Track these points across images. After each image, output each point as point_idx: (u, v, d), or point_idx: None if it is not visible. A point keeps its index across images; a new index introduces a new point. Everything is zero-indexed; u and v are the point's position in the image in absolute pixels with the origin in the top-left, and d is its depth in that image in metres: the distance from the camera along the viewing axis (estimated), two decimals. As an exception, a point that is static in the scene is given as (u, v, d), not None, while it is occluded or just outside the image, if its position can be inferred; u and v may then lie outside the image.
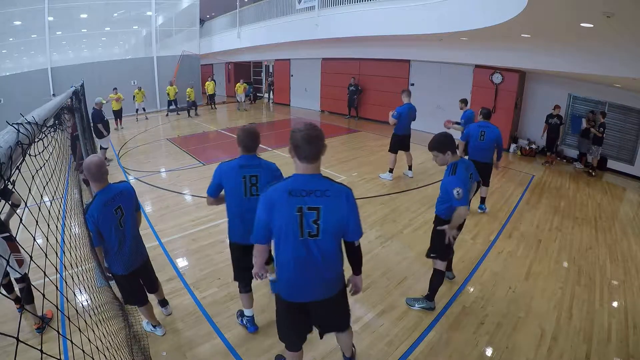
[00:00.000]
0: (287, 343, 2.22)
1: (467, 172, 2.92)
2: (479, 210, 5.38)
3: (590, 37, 4.68)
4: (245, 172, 2.52)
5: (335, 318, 2.19)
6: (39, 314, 2.98)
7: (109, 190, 2.51)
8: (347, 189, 1.88)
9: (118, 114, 11.85)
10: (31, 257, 0.93)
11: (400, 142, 6.64)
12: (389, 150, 6.76)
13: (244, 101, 16.13)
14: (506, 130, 9.08)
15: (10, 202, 2.63)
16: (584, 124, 8.01)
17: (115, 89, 11.85)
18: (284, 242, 1.83)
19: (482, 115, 5.16)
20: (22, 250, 2.85)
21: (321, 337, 2.27)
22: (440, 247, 3.10)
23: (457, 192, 2.76)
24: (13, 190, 0.86)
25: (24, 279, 2.86)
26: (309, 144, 1.74)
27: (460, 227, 3.15)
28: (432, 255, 3.22)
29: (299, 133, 1.75)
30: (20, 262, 2.86)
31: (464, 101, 6.85)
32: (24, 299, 2.92)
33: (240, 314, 3.11)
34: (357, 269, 2.10)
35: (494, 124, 5.10)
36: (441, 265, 3.21)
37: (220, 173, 2.57)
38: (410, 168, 6.99)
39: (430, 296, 3.29)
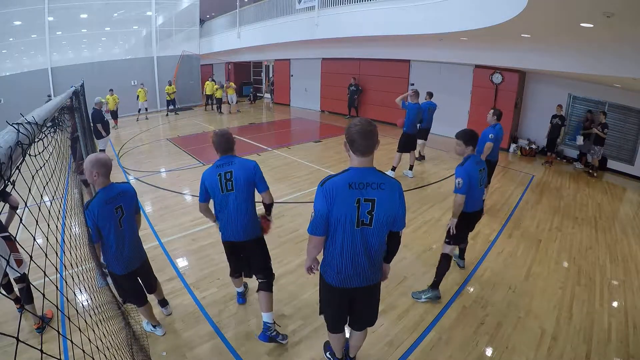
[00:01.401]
0: (331, 325, 2.38)
1: (477, 165, 3.26)
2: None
3: (590, 37, 4.68)
4: (221, 170, 2.66)
5: (371, 307, 2.31)
6: (39, 313, 2.97)
7: (111, 189, 2.52)
8: (399, 183, 2.02)
9: (114, 115, 12.26)
10: (31, 257, 0.93)
11: (410, 141, 6.75)
12: (398, 150, 6.80)
13: (235, 103, 15.47)
14: (506, 130, 9.06)
15: (8, 204, 2.64)
16: (580, 141, 8.09)
17: (111, 90, 12.11)
18: (341, 232, 1.94)
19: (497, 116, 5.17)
20: (21, 250, 2.85)
21: (358, 329, 2.43)
22: (453, 235, 3.39)
23: (458, 182, 3.16)
24: (11, 192, 0.86)
25: (24, 279, 2.86)
26: (365, 138, 1.84)
27: (468, 225, 3.52)
28: (446, 240, 3.46)
29: (354, 128, 1.86)
30: (19, 262, 2.86)
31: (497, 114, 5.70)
32: (24, 299, 2.92)
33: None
34: (391, 257, 2.22)
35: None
36: (449, 249, 3.43)
37: (203, 177, 2.71)
38: (410, 168, 7.00)
39: (435, 284, 3.44)
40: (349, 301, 2.22)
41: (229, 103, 15.39)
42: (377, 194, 1.89)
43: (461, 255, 4.01)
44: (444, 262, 3.42)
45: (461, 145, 3.30)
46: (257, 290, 2.87)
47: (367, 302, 2.27)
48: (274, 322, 2.86)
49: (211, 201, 2.79)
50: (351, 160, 1.95)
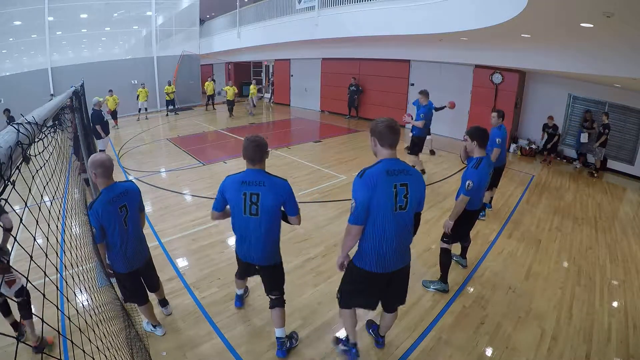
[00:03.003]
0: (363, 306, 2.53)
1: (488, 168, 3.33)
2: (488, 208, 5.42)
3: (591, 37, 4.68)
4: (246, 189, 2.35)
5: (403, 288, 2.46)
6: (38, 332, 2.78)
7: (114, 188, 2.52)
8: (418, 171, 2.27)
9: (113, 115, 12.23)
10: (31, 257, 0.93)
11: (422, 144, 6.77)
12: (410, 153, 6.71)
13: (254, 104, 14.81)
14: (506, 130, 9.08)
15: (2, 225, 2.47)
16: (585, 138, 8.12)
17: (110, 90, 12.07)
18: (381, 217, 2.08)
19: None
20: (21, 250, 2.80)
21: (391, 310, 2.60)
22: (452, 234, 3.46)
23: (468, 183, 3.18)
24: (5, 210, 0.85)
25: (22, 293, 2.67)
26: (393, 132, 2.08)
27: (471, 223, 3.57)
28: (444, 239, 3.54)
29: (381, 124, 2.09)
30: (11, 283, 2.63)
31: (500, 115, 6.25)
32: (23, 314, 2.70)
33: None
34: (414, 233, 2.34)
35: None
36: (446, 245, 3.53)
37: (224, 186, 2.44)
38: (423, 172, 6.97)
39: (443, 277, 3.55)
40: (386, 285, 2.32)
41: (253, 105, 14.75)
42: (408, 179, 2.10)
43: (463, 255, 4.00)
44: (444, 257, 3.52)
45: (468, 140, 3.35)
46: (270, 307, 2.75)
47: (402, 283, 2.41)
48: (286, 335, 2.81)
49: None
50: (379, 154, 2.15)
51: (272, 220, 2.42)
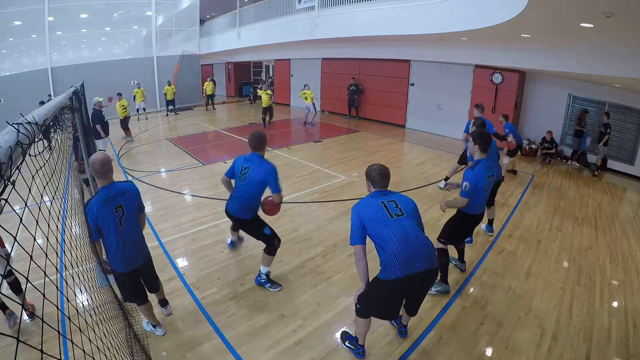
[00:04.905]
0: (383, 317, 2.67)
1: (487, 170, 3.23)
2: (489, 233, 4.79)
3: (590, 37, 4.68)
4: (244, 164, 3.34)
5: (427, 291, 2.59)
6: (31, 309, 3.07)
7: (111, 188, 2.51)
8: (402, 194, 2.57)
9: (124, 123, 10.38)
10: (31, 257, 0.93)
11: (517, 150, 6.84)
12: (460, 162, 6.33)
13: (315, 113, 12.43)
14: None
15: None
16: (588, 142, 8.26)
17: (119, 94, 10.64)
18: (382, 227, 2.30)
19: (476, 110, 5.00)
20: (21, 251, 2.82)
21: (412, 314, 2.74)
22: (447, 234, 3.49)
23: (465, 185, 3.18)
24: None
25: (11, 273, 2.91)
26: (382, 178, 2.50)
27: (469, 227, 3.55)
28: (441, 240, 3.52)
29: (374, 171, 2.51)
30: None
31: (505, 116, 6.96)
32: (14, 290, 3.01)
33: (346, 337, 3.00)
34: None
35: (490, 121, 5.11)
36: (442, 245, 3.51)
37: (236, 159, 3.44)
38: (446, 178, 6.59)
39: (443, 277, 3.52)
40: (412, 289, 2.39)
41: (314, 111, 12.20)
42: (395, 197, 2.45)
43: (460, 258, 3.93)
44: (442, 257, 3.44)
45: (470, 142, 3.35)
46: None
47: (426, 287, 2.50)
48: (267, 275, 3.58)
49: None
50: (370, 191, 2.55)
51: (256, 187, 3.30)
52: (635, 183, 7.48)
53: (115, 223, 2.50)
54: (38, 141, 1.08)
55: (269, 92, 12.01)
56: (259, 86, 16.88)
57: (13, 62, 12.71)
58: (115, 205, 2.50)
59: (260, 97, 11.87)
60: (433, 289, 3.52)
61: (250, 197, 3.32)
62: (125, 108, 10.41)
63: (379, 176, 2.48)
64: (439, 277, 3.55)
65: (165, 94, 14.13)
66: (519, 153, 7.65)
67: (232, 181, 3.50)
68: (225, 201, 3.50)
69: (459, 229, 3.48)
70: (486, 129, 5.21)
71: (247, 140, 3.36)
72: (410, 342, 2.94)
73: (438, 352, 2.84)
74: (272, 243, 3.47)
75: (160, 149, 9.54)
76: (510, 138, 6.50)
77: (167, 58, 15.94)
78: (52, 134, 2.13)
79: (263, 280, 3.59)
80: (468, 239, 4.31)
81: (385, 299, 2.41)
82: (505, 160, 6.88)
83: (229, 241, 4.34)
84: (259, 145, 3.31)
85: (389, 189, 2.53)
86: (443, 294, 3.52)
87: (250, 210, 3.40)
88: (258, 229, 3.49)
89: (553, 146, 8.49)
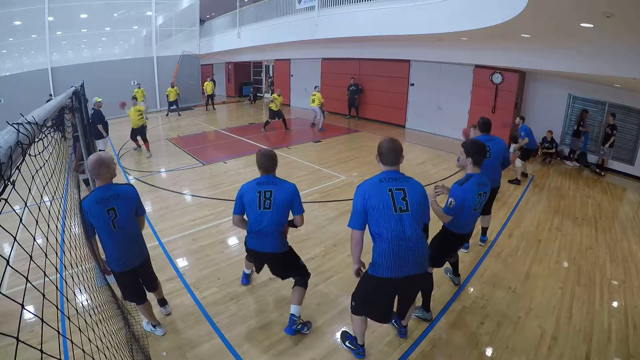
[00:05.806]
0: (377, 319, 2.58)
1: (478, 188, 2.81)
2: (480, 243, 4.51)
3: (590, 37, 4.68)
4: (261, 188, 2.79)
5: (416, 293, 2.62)
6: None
7: (107, 189, 2.51)
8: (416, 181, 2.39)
9: (141, 132, 8.56)
10: (31, 257, 0.93)
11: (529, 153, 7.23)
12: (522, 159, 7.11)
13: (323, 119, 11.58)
14: (506, 131, 9.08)
15: None
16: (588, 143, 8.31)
17: (134, 97, 9.70)
18: (383, 219, 2.21)
19: (480, 126, 4.24)
20: (20, 250, 2.83)
21: (401, 316, 2.78)
22: (434, 255, 2.97)
23: (450, 201, 2.82)
24: None
25: None
26: (392, 153, 2.30)
27: (462, 242, 3.17)
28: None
29: (383, 144, 2.32)
30: None
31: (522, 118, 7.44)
32: None
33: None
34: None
35: (495, 129, 5.08)
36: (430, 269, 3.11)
37: (241, 191, 2.85)
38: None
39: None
40: (398, 292, 2.40)
41: (322, 116, 11.49)
42: (405, 185, 2.26)
43: (455, 272, 3.68)
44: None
45: (463, 155, 2.90)
46: (293, 286, 3.04)
47: (415, 291, 2.52)
48: (299, 317, 3.01)
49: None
50: (381, 169, 2.36)
51: (282, 212, 2.81)
52: (635, 183, 7.48)
53: (108, 224, 2.49)
54: (53, 132, 1.08)
55: (282, 97, 11.30)
56: (271, 88, 16.42)
57: (13, 62, 12.71)
58: (108, 207, 2.47)
59: (272, 100, 10.95)
60: (413, 314, 3.13)
61: (282, 224, 2.84)
62: (142, 114, 8.44)
63: (387, 150, 2.29)
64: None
65: (167, 96, 14.11)
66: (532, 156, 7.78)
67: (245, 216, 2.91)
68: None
69: (441, 246, 3.10)
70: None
71: (256, 160, 2.84)
72: (410, 342, 2.93)
73: (438, 352, 2.84)
74: (308, 274, 3.05)
75: (160, 149, 9.54)
76: (524, 141, 6.83)
77: (167, 58, 15.93)
78: (66, 122, 2.11)
79: (299, 327, 2.99)
80: (465, 244, 4.09)
81: (371, 297, 2.43)
82: (517, 163, 7.00)
83: (243, 274, 3.71)
84: (273, 166, 2.85)
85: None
86: (423, 320, 3.17)
87: (285, 238, 2.95)
88: (294, 260, 3.03)
89: (553, 146, 8.50)
